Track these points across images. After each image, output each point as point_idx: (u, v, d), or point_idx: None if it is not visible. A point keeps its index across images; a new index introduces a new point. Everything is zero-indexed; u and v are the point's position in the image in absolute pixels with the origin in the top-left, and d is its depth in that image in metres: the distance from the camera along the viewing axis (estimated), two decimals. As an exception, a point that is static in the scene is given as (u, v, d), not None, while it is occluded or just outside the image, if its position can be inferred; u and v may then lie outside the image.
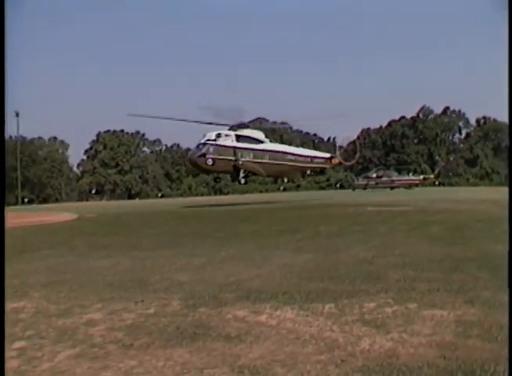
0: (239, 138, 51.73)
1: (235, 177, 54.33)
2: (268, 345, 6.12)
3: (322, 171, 64.36)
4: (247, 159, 51.40)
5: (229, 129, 52.82)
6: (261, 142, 53.79)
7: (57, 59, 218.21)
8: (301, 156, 56.52)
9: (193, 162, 52.70)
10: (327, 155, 59.80)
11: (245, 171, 52.10)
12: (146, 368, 5.52)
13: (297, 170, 57.53)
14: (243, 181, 53.06)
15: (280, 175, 59.51)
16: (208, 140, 50.60)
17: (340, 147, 59.66)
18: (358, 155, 62.52)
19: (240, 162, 50.73)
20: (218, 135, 50.83)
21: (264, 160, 52.71)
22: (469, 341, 6.01)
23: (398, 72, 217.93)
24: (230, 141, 50.96)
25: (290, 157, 55.13)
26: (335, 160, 58.83)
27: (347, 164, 64.04)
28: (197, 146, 52.03)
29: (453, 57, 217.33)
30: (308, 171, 62.28)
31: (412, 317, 7.11)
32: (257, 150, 52.55)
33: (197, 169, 58.64)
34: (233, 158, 50.52)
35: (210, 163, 49.68)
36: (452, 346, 5.83)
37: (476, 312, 7.14)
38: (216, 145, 50.07)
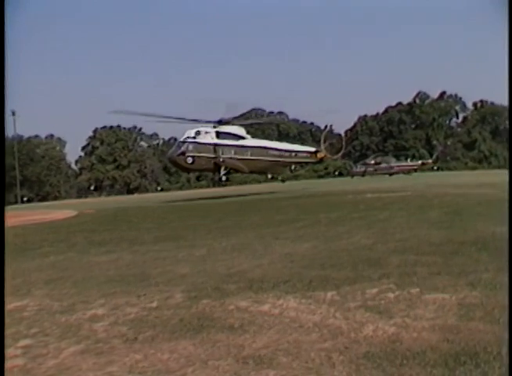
0: (219, 135, 50.77)
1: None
2: (272, 335, 6.14)
3: (319, 160, 62.40)
4: (228, 156, 50.44)
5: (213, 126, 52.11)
6: (243, 138, 52.77)
7: (51, 58, 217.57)
8: (284, 151, 55.25)
9: (173, 161, 52.17)
10: (312, 149, 58.21)
11: (226, 168, 51.19)
12: (151, 362, 5.54)
13: (280, 165, 56.32)
14: (224, 178, 51.92)
15: (263, 170, 57.48)
16: (187, 138, 49.85)
17: (325, 141, 58.02)
18: (343, 149, 60.70)
19: (221, 159, 49.82)
20: (198, 133, 49.96)
21: (245, 157, 51.62)
22: (471, 323, 6.03)
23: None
24: (210, 138, 50.06)
25: (273, 152, 53.90)
26: (320, 154, 57.05)
27: (333, 157, 62.45)
28: (177, 145, 51.47)
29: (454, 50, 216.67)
30: (293, 166, 61.38)
31: (415, 302, 7.13)
32: (239, 146, 51.50)
33: (177, 168, 57.64)
34: (214, 156, 49.67)
35: (190, 161, 48.94)
36: (454, 329, 5.85)
37: (478, 295, 7.16)
38: (195, 142, 49.28)
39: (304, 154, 57.08)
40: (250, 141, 53.85)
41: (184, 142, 49.78)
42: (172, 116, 51.73)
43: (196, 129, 50.32)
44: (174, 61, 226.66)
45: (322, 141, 57.59)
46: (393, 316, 6.56)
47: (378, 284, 8.18)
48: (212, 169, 52.28)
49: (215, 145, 49.90)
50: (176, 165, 53.22)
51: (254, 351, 5.62)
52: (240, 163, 51.49)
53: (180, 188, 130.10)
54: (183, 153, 48.97)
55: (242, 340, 6.01)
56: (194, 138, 49.53)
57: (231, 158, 50.65)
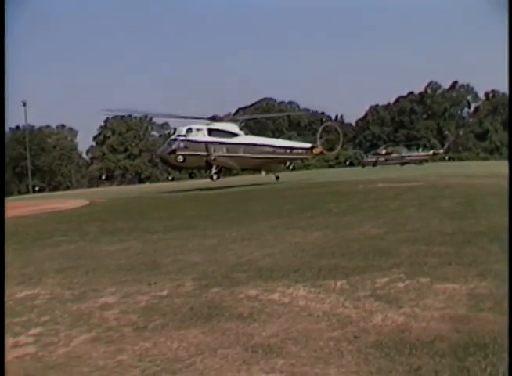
0: (211, 132, 49.97)
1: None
2: (281, 323, 6.16)
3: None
4: (220, 154, 49.59)
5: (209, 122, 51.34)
6: (236, 135, 52.01)
7: (61, 48, 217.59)
8: (278, 147, 54.34)
9: (163, 159, 51.63)
10: (308, 145, 57.13)
11: (217, 166, 50.31)
12: (161, 350, 5.56)
13: (274, 162, 55.28)
14: (215, 177, 50.59)
15: (257, 168, 55.80)
16: (179, 135, 49.37)
17: (321, 136, 56.77)
18: (340, 144, 59.37)
19: (212, 157, 48.98)
20: (189, 130, 49.34)
21: (238, 154, 50.78)
22: (481, 314, 6.03)
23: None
24: (202, 135, 49.29)
25: (266, 149, 53.03)
26: (316, 150, 55.98)
27: (330, 153, 61.36)
28: (168, 143, 50.97)
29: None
30: (288, 163, 60.66)
31: (425, 291, 7.13)
32: (231, 143, 50.71)
33: (168, 166, 56.61)
34: (205, 153, 48.87)
35: (181, 160, 48.31)
36: (464, 320, 5.85)
37: (488, 285, 7.15)
38: (187, 140, 48.61)
39: (300, 150, 56.13)
40: (243, 138, 53.08)
41: (175, 139, 49.29)
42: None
43: (188, 126, 49.80)
44: (178, 53, 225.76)
45: (318, 137, 56.64)
46: (402, 305, 6.57)
47: (388, 274, 8.19)
48: (204, 167, 51.72)
49: (207, 143, 49.15)
50: (167, 163, 52.62)
51: (264, 340, 5.64)
52: (232, 161, 50.71)
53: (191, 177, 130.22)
54: (174, 151, 48.35)
55: (251, 329, 6.04)
56: (185, 136, 48.95)
57: (223, 156, 49.94)
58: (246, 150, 51.29)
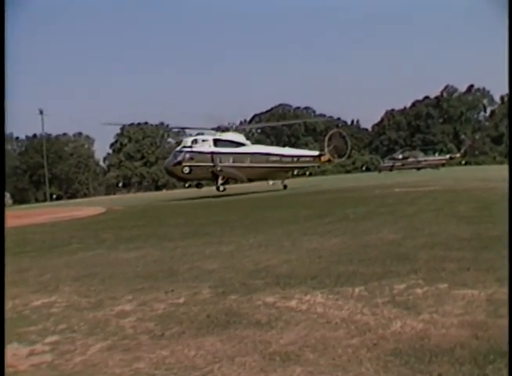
0: (217, 142, 50.08)
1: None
2: (299, 331, 6.10)
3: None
4: (226, 164, 49.59)
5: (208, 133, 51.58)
6: (242, 144, 52.22)
7: (75, 54, 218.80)
8: (285, 156, 54.51)
9: (169, 171, 51.72)
10: (315, 153, 57.92)
11: (223, 177, 50.37)
12: (178, 358, 5.52)
13: (282, 171, 55.14)
14: (221, 188, 50.54)
15: (263, 177, 55.85)
16: (184, 147, 49.52)
17: (329, 144, 56.53)
18: (348, 152, 59.31)
19: (218, 168, 49.00)
20: (195, 141, 49.56)
21: (244, 164, 50.74)
22: (501, 320, 5.94)
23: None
24: (208, 146, 49.38)
25: (273, 158, 53.14)
26: (324, 158, 56.32)
27: (338, 161, 61.21)
28: (173, 154, 51.05)
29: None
30: (296, 171, 60.45)
31: (443, 297, 7.05)
32: (237, 153, 50.77)
33: (174, 178, 56.76)
34: (211, 164, 48.86)
35: (187, 171, 48.33)
36: (484, 326, 5.78)
37: (507, 291, 7.06)
38: (192, 152, 48.69)
39: (307, 158, 56.23)
40: (250, 148, 53.38)
41: (180, 151, 49.43)
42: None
43: (193, 138, 49.85)
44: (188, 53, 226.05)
45: (325, 144, 56.52)
46: (421, 311, 6.49)
47: (406, 280, 8.11)
48: (210, 178, 51.62)
49: (212, 153, 49.20)
50: (173, 175, 52.80)
51: (281, 347, 5.59)
52: (238, 171, 50.69)
53: (207, 184, 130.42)
54: (179, 163, 48.45)
55: (269, 336, 5.98)
56: (191, 147, 49.07)
57: (228, 166, 49.91)
58: (253, 159, 51.20)
